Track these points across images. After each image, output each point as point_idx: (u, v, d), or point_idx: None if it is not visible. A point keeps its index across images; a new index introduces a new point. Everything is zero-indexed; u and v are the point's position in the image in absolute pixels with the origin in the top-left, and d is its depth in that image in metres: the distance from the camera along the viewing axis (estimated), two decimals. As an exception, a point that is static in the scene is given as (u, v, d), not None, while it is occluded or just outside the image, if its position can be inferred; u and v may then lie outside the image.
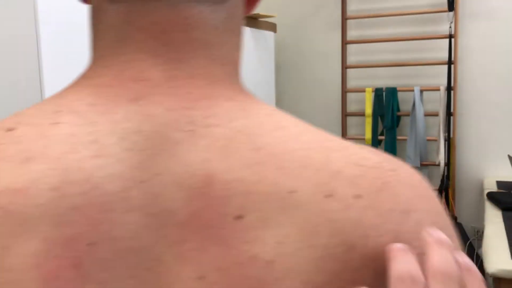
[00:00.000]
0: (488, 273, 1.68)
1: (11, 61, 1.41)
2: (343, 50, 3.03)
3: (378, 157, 0.36)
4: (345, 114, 3.10)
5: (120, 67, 0.34)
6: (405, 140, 2.91)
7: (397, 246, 0.31)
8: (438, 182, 2.82)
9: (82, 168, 0.30)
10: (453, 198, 2.87)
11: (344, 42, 3.03)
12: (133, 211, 0.30)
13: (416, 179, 0.37)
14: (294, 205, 0.31)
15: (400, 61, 2.93)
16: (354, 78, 3.09)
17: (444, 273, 0.30)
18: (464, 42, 2.81)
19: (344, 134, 3.11)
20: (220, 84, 0.35)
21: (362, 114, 3.02)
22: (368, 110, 2.96)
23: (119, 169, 0.31)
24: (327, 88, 3.14)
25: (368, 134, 2.97)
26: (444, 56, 2.80)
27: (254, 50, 2.59)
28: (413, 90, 2.85)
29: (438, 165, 2.80)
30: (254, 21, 2.58)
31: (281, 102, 3.20)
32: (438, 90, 2.81)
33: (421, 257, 0.31)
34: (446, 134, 2.79)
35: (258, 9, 2.84)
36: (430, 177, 2.93)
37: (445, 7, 2.75)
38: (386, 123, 2.91)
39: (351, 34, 3.04)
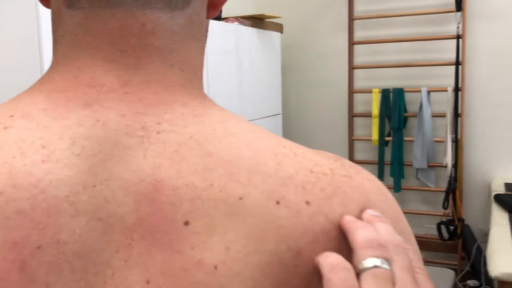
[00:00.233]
0: (491, 276, 1.66)
1: (13, 61, 1.43)
2: (350, 51, 3.02)
3: (333, 164, 0.36)
4: (351, 115, 3.08)
5: (75, 73, 0.34)
6: (412, 141, 2.89)
7: (351, 218, 0.33)
8: (445, 184, 2.79)
9: (30, 173, 0.30)
10: (461, 200, 2.84)
11: (351, 43, 3.01)
12: (80, 215, 0.31)
13: (373, 186, 0.37)
14: (242, 211, 0.32)
15: (407, 62, 2.91)
16: (361, 78, 3.08)
17: (394, 243, 0.32)
18: (472, 43, 2.78)
19: (351, 135, 3.10)
20: (177, 89, 0.36)
21: (369, 115, 3.00)
22: (375, 111, 2.94)
23: (67, 174, 0.31)
24: (334, 89, 3.13)
25: (375, 135, 2.96)
26: (452, 56, 2.77)
27: (261, 51, 2.59)
28: (420, 91, 2.83)
29: (446, 166, 2.77)
30: (260, 22, 2.59)
31: (287, 103, 3.20)
32: (446, 91, 2.78)
33: None
34: (454, 135, 2.76)
35: (265, 10, 2.84)
36: (437, 179, 2.91)
37: (453, 8, 2.73)
38: (393, 124, 2.89)
39: (358, 34, 3.03)
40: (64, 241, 0.30)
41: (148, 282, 0.31)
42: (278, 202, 0.32)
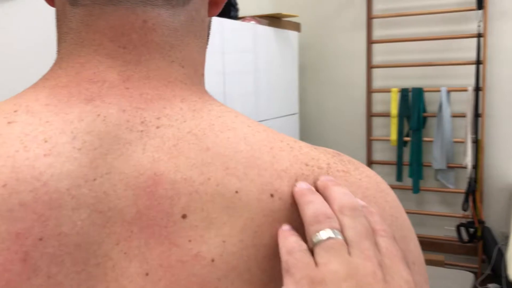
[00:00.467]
0: (510, 280, 1.63)
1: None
2: (369, 50, 3.00)
3: (331, 158, 0.36)
4: (370, 115, 3.06)
5: (77, 69, 0.35)
6: (431, 141, 2.85)
7: (302, 186, 0.33)
8: (465, 185, 2.75)
9: (32, 166, 0.31)
10: (481, 202, 2.79)
11: (370, 42, 2.99)
12: (81, 208, 0.31)
13: (371, 182, 0.37)
14: (238, 205, 0.32)
15: (427, 61, 2.87)
16: (380, 78, 3.05)
17: (350, 207, 0.32)
18: (494, 41, 2.72)
19: (369, 135, 3.07)
20: (177, 85, 0.36)
21: (387, 115, 2.97)
22: (394, 110, 2.91)
23: (69, 167, 0.32)
24: (352, 88, 3.11)
25: (394, 135, 2.93)
26: (472, 56, 2.73)
27: (278, 50, 2.59)
28: (439, 91, 2.79)
29: (465, 167, 2.73)
30: (277, 21, 2.58)
31: (304, 103, 3.19)
32: (466, 90, 2.74)
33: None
34: (474, 136, 2.71)
35: (282, 9, 2.84)
36: (456, 180, 2.86)
37: (474, 6, 2.68)
38: (412, 124, 2.85)
39: (377, 33, 3.00)
40: (65, 233, 0.31)
41: (147, 274, 0.31)
42: (272, 195, 0.33)
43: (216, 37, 1.99)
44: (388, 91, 2.95)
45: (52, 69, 0.37)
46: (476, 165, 2.74)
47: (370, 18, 2.97)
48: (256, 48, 2.35)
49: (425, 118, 2.89)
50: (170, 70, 0.36)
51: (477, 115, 2.71)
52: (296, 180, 0.34)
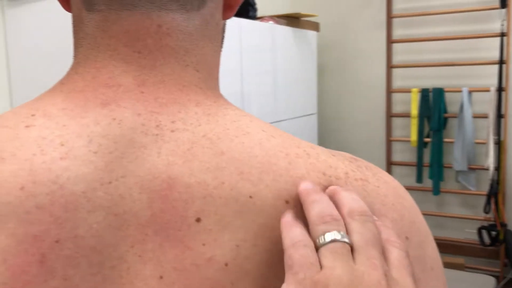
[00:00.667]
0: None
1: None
2: (389, 49, 2.96)
3: (349, 166, 0.36)
4: (390, 115, 3.03)
5: (93, 74, 0.35)
6: (452, 142, 2.81)
7: (307, 186, 0.32)
8: (487, 187, 2.70)
9: (49, 169, 0.32)
10: (503, 204, 2.74)
11: (390, 41, 2.96)
12: (97, 211, 0.32)
13: (389, 188, 0.36)
14: (252, 210, 0.32)
15: (448, 61, 2.83)
16: (400, 78, 3.01)
17: (359, 212, 0.31)
18: (518, 41, 2.67)
19: (389, 136, 3.04)
20: (192, 89, 0.36)
21: (407, 115, 2.94)
22: (414, 111, 2.87)
23: (85, 170, 0.32)
24: (372, 88, 3.08)
25: (414, 136, 2.89)
26: (495, 55, 2.68)
27: (297, 49, 2.58)
28: (461, 91, 2.74)
29: (487, 169, 2.68)
30: (296, 21, 2.58)
31: (323, 103, 3.17)
32: (488, 91, 2.69)
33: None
34: (496, 137, 2.66)
35: (300, 9, 2.83)
36: (478, 181, 2.81)
37: (497, 4, 2.63)
38: (433, 124, 2.81)
39: (397, 33, 2.97)
40: (81, 236, 0.31)
41: (161, 277, 0.31)
42: (287, 202, 0.33)
43: (235, 37, 1.99)
44: (408, 91, 2.92)
45: (68, 74, 0.37)
46: (499, 167, 2.68)
47: (390, 17, 2.94)
48: (274, 48, 2.34)
49: (446, 119, 2.85)
50: (184, 74, 0.36)
51: (499, 115, 2.66)
52: None
